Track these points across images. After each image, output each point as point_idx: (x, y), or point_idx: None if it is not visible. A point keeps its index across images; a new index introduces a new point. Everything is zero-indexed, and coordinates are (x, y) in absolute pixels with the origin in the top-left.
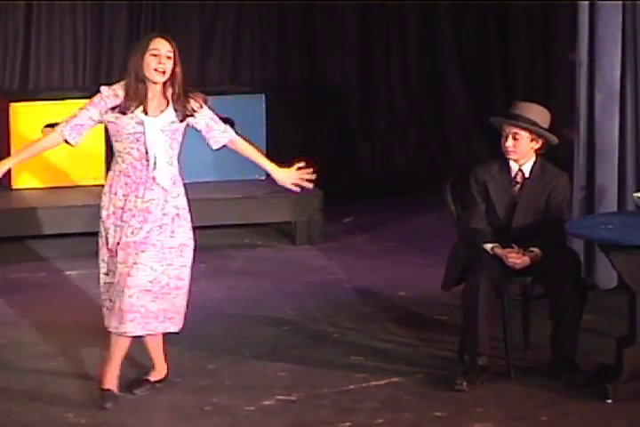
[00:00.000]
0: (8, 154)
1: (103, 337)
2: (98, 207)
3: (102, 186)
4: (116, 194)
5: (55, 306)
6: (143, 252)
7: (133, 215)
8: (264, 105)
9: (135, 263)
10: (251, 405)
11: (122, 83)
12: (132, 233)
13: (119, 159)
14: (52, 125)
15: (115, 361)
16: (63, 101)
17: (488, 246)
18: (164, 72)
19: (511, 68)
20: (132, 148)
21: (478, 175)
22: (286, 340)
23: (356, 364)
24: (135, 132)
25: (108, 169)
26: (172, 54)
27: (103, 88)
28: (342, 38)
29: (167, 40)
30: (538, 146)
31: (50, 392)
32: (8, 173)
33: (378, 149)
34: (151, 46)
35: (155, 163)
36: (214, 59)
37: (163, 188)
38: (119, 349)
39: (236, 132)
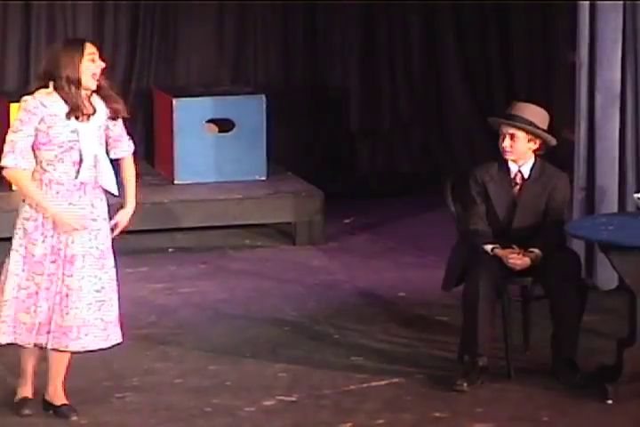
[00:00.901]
0: None
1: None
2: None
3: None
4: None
5: None
6: (91, 264)
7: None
8: (265, 106)
9: (83, 277)
10: (251, 405)
11: (45, 91)
12: (73, 242)
13: (49, 167)
14: None
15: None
16: None
17: (488, 247)
18: (96, 75)
19: (512, 69)
20: (65, 155)
21: (477, 176)
22: (287, 340)
23: (357, 364)
24: (69, 140)
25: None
26: (100, 58)
27: (27, 101)
28: (345, 39)
29: (94, 45)
30: (536, 146)
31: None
32: None
33: (379, 149)
34: (87, 51)
35: (95, 167)
36: (216, 60)
37: (112, 191)
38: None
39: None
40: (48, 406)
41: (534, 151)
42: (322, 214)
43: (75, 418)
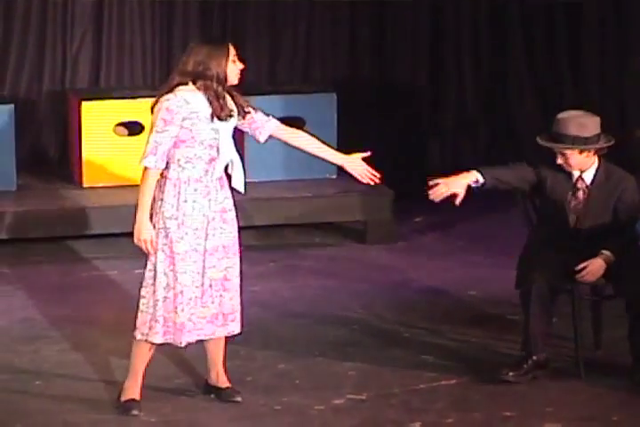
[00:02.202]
0: (80, 152)
1: None
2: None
3: None
4: (185, 201)
5: (127, 304)
6: (235, 254)
7: (212, 219)
8: (335, 104)
9: (230, 267)
10: (321, 404)
11: (185, 88)
12: (214, 236)
13: (187, 165)
14: (123, 124)
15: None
16: (134, 100)
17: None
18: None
19: (582, 68)
20: (205, 153)
21: (540, 169)
22: (356, 339)
23: (427, 363)
24: (211, 139)
25: None
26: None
27: (169, 101)
28: (413, 37)
29: (235, 46)
30: (592, 153)
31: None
32: (80, 171)
33: (448, 148)
34: (231, 53)
35: (231, 167)
36: (285, 58)
37: (235, 190)
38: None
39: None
40: (211, 390)
41: (595, 154)
42: (392, 213)
43: (239, 399)
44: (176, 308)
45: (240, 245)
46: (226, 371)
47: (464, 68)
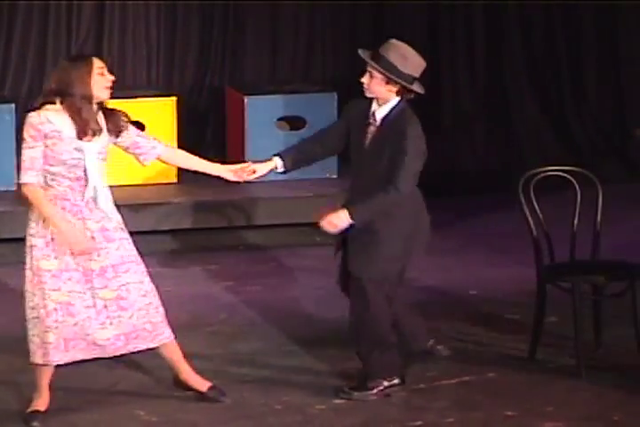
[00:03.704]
0: None
1: (176, 334)
2: (168, 205)
3: (173, 184)
4: None
5: None
6: (127, 271)
7: (93, 238)
8: (336, 103)
9: (123, 285)
10: (322, 403)
11: (52, 107)
12: (100, 256)
13: (53, 182)
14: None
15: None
16: (135, 99)
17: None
18: (109, 89)
19: (580, 67)
20: (70, 172)
21: (350, 105)
22: None
23: (427, 362)
24: (73, 158)
25: (179, 168)
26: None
27: (32, 118)
28: (412, 38)
29: (101, 59)
30: (396, 89)
31: (121, 390)
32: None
33: (447, 147)
34: (96, 65)
35: (95, 190)
36: (286, 58)
37: (105, 211)
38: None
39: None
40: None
41: (398, 94)
42: None
43: (227, 401)
44: (49, 327)
45: (141, 255)
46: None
47: (462, 67)
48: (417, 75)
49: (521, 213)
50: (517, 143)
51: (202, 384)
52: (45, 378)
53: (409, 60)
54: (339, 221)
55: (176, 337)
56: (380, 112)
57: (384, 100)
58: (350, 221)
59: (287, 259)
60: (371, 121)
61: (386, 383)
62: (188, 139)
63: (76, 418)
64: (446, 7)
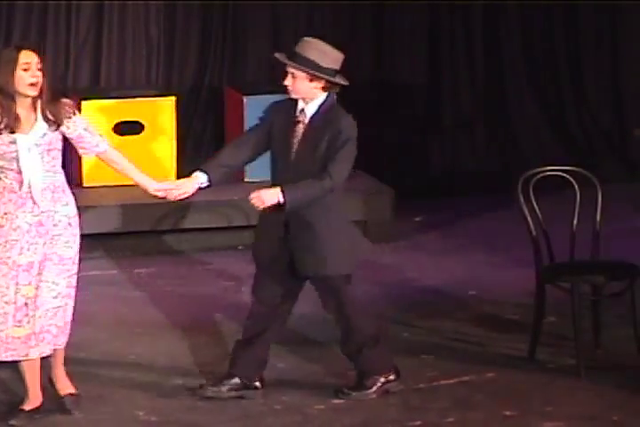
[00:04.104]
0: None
1: (174, 334)
2: (169, 205)
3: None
4: None
5: (126, 304)
6: (43, 269)
7: (28, 231)
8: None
9: (42, 282)
10: (321, 403)
11: None
12: (29, 250)
13: (1, 175)
14: (123, 124)
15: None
16: (134, 99)
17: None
18: (36, 85)
19: (580, 67)
20: (12, 164)
21: (270, 109)
22: None
23: (427, 362)
24: (10, 151)
25: (178, 168)
26: (41, 66)
27: None
28: (411, 38)
29: (34, 51)
30: (321, 85)
31: (120, 390)
32: (79, 171)
33: (447, 147)
34: (21, 60)
35: (29, 181)
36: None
37: (37, 203)
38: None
39: None
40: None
41: (324, 89)
42: (392, 212)
43: (76, 414)
44: (20, 321)
45: (80, 258)
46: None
47: (462, 67)
48: (337, 67)
49: (520, 213)
50: (517, 143)
51: (66, 389)
52: (35, 374)
53: (327, 54)
54: (269, 197)
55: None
56: (309, 109)
57: (311, 98)
58: (281, 199)
59: None
60: (299, 119)
61: (383, 380)
62: (188, 139)
63: (76, 418)
64: (446, 7)
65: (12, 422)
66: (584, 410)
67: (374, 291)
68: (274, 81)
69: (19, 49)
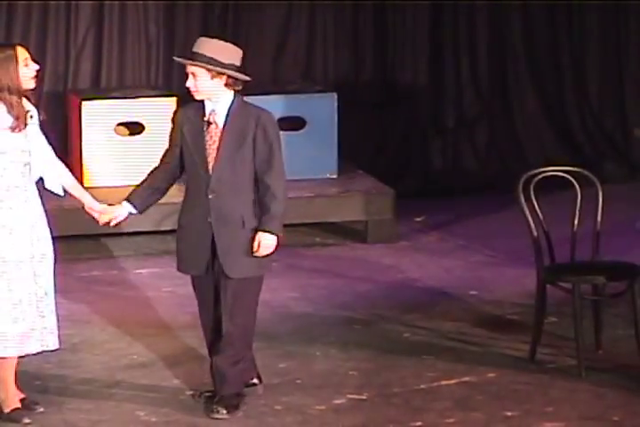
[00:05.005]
0: (80, 152)
1: (175, 334)
2: (170, 205)
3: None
4: (11, 208)
5: (127, 304)
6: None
7: (31, 226)
8: (335, 104)
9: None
10: (321, 404)
11: None
12: (40, 241)
13: (5, 172)
14: (123, 124)
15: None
16: (134, 100)
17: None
18: (34, 77)
19: (582, 67)
20: (14, 161)
21: (177, 116)
22: (357, 339)
23: (427, 363)
24: (21, 146)
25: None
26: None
27: None
28: (414, 38)
29: (24, 47)
30: (224, 82)
31: (122, 390)
32: (80, 171)
33: (448, 148)
34: (21, 58)
35: (41, 175)
36: (287, 58)
37: (59, 193)
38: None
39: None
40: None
41: (228, 87)
42: (393, 213)
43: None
44: (16, 318)
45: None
46: (16, 383)
47: (464, 68)
48: (238, 63)
49: (521, 213)
50: (518, 143)
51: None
52: (11, 374)
53: (225, 50)
54: (268, 244)
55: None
56: (219, 110)
57: (217, 97)
58: (275, 237)
59: (287, 259)
60: (210, 120)
61: (241, 397)
62: None
63: (76, 418)
64: (449, 7)
65: (25, 420)
66: (585, 410)
67: (375, 291)
68: (275, 82)
69: (12, 46)
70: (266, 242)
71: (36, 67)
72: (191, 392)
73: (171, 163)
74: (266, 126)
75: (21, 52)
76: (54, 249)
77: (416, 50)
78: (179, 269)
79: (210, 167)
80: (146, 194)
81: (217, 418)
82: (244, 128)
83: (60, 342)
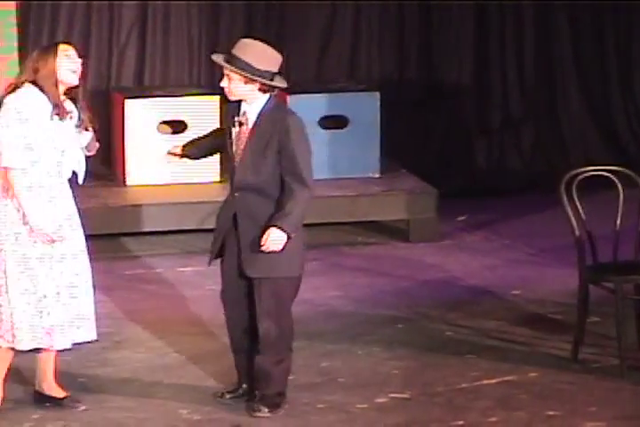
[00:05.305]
0: (123, 150)
1: (219, 333)
2: (214, 204)
3: (216, 183)
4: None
5: (169, 302)
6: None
7: (60, 226)
8: (378, 103)
9: (77, 274)
10: (364, 402)
11: (25, 91)
12: (72, 238)
13: (32, 170)
14: (166, 122)
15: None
16: (177, 98)
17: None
18: (76, 73)
19: (628, 67)
20: (47, 156)
21: (223, 114)
22: (400, 338)
23: (470, 362)
24: (57, 139)
25: (222, 166)
26: (80, 58)
27: (8, 104)
28: (459, 37)
29: (72, 45)
30: (257, 86)
31: (164, 389)
32: (122, 169)
33: (493, 147)
34: (61, 48)
35: (72, 170)
36: (332, 56)
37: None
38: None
39: None
40: (46, 399)
41: (262, 91)
42: (436, 212)
43: (81, 408)
44: (41, 312)
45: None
46: (57, 381)
47: (509, 67)
48: (275, 70)
49: (564, 212)
50: (563, 143)
51: (60, 393)
52: (3, 369)
53: (263, 56)
54: (276, 239)
55: None
56: (251, 111)
57: (250, 99)
58: (285, 234)
59: (330, 258)
60: (242, 121)
61: (282, 396)
62: None
63: (119, 416)
64: (494, 7)
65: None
66: (627, 410)
67: (418, 290)
68: (319, 81)
69: (57, 43)
70: (274, 237)
71: (79, 60)
72: (218, 393)
73: (211, 140)
74: (289, 130)
75: (63, 46)
76: (88, 247)
77: (460, 49)
78: (209, 262)
79: (236, 167)
80: (196, 145)
81: (259, 416)
82: (269, 131)
83: (95, 335)
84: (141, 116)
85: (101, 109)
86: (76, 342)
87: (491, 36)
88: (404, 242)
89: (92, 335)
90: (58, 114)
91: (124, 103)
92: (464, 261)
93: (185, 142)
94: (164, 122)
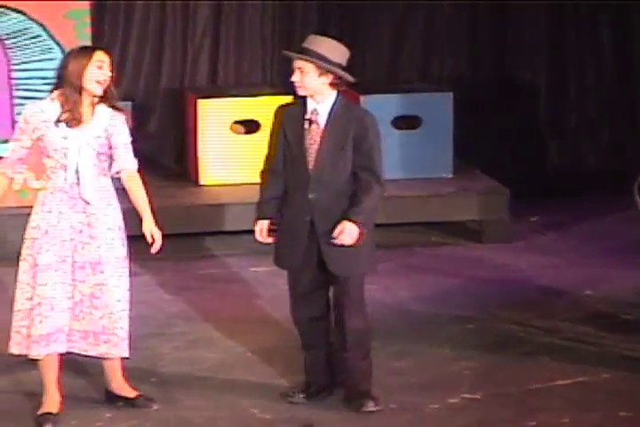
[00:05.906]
0: (196, 150)
1: (292, 333)
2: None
3: None
4: (50, 212)
5: (243, 302)
6: (102, 272)
7: (80, 232)
8: (451, 103)
9: (99, 284)
10: (436, 403)
11: (52, 95)
12: (83, 249)
13: (53, 175)
14: (240, 122)
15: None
16: (251, 98)
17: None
18: (102, 83)
19: None
20: (64, 161)
21: (279, 117)
22: (471, 338)
23: (542, 363)
24: (62, 147)
25: None
26: (111, 68)
27: (27, 107)
28: (532, 37)
29: (107, 53)
30: (329, 81)
31: (236, 388)
32: (195, 168)
33: (568, 148)
34: (95, 58)
35: (78, 178)
36: (405, 57)
37: (89, 202)
38: (53, 370)
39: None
40: (118, 399)
41: (332, 86)
42: (508, 212)
43: (154, 407)
44: (33, 320)
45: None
46: (127, 381)
47: (585, 67)
48: (345, 63)
49: (637, 214)
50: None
51: (131, 392)
52: (49, 375)
53: (336, 49)
54: (351, 233)
55: None
56: (322, 109)
57: (320, 95)
58: (357, 228)
59: (402, 258)
60: (312, 119)
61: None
62: None
63: (191, 415)
64: (571, 6)
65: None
66: None
67: (489, 290)
68: (392, 81)
69: (94, 48)
70: (348, 230)
71: (109, 73)
72: (289, 392)
73: (280, 167)
74: (368, 128)
75: (99, 55)
76: (129, 250)
77: (534, 49)
78: (275, 263)
79: (310, 167)
80: (276, 204)
81: (369, 411)
82: (345, 129)
83: (121, 351)
84: (214, 116)
85: (175, 109)
86: (97, 355)
87: (567, 35)
88: (476, 242)
89: (121, 352)
90: (67, 122)
91: (197, 103)
92: (536, 261)
93: (261, 214)
94: (237, 122)
